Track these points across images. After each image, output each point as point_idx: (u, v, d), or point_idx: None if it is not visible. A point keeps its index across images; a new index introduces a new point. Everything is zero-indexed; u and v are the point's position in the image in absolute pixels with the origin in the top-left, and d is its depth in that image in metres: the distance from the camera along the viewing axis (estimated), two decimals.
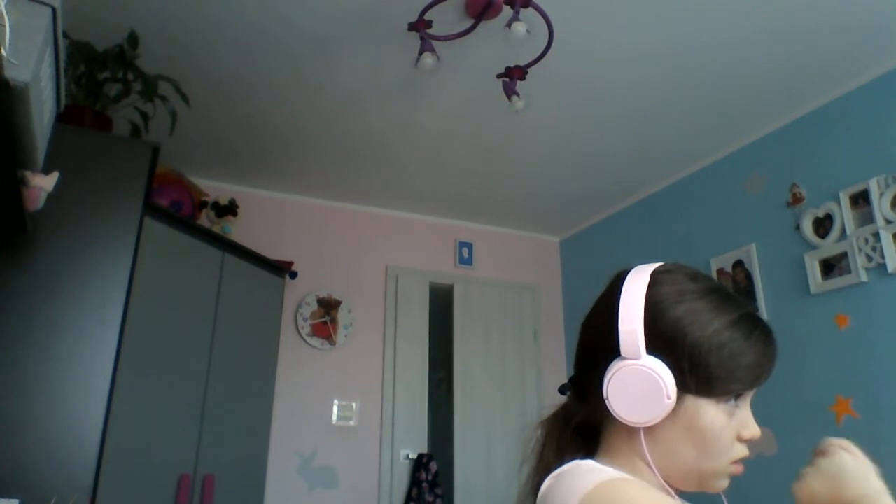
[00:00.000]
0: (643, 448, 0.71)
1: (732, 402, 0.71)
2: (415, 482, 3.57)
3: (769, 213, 3.01)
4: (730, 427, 0.70)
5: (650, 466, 0.72)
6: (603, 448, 0.77)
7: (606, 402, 0.71)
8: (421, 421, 3.80)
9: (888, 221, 2.47)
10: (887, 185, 2.50)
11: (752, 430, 0.71)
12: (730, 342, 0.69)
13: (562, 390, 0.83)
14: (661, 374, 0.68)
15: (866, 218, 2.56)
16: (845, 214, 2.63)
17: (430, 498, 3.52)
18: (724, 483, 0.72)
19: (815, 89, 2.79)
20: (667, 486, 0.73)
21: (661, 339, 0.70)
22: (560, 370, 4.29)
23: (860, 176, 2.61)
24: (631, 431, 0.73)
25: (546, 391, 4.18)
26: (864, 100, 2.69)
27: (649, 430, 0.71)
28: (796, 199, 2.88)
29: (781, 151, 3.02)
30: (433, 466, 3.61)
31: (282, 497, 3.35)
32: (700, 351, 0.69)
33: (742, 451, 0.72)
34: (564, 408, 0.82)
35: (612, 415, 0.71)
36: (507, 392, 4.04)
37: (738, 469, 0.72)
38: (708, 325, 0.70)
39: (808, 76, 2.70)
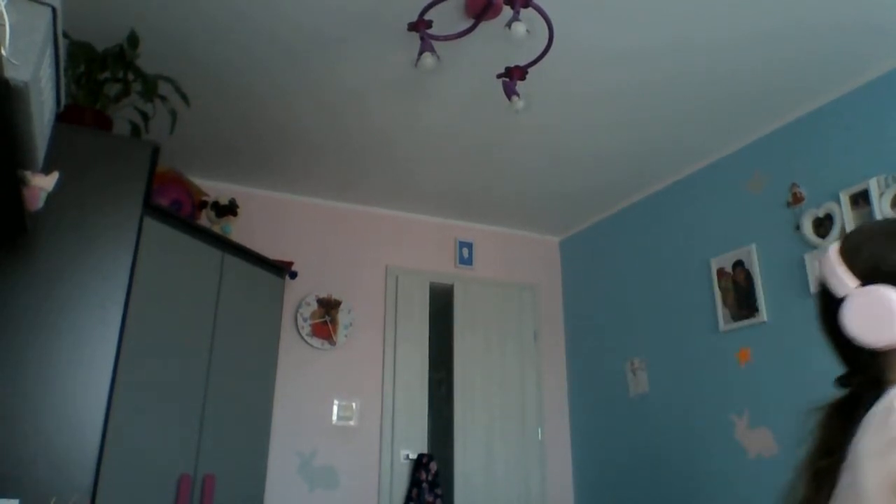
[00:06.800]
0: None
1: None
2: (415, 482, 3.57)
3: (769, 213, 3.01)
4: None
5: None
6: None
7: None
8: (421, 421, 3.80)
9: None
10: (887, 185, 2.50)
11: None
12: None
13: (841, 382, 0.94)
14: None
15: (866, 218, 2.55)
16: (845, 214, 2.63)
17: (430, 498, 3.52)
18: None
19: (814, 89, 2.79)
20: None
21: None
22: (560, 370, 4.29)
23: (860, 176, 2.61)
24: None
25: (546, 391, 4.18)
26: (864, 100, 2.69)
27: None
28: (796, 199, 2.88)
29: (781, 151, 3.02)
30: (433, 466, 3.62)
31: (282, 497, 3.35)
32: None
33: None
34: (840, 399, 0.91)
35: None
36: (507, 392, 4.04)
37: None
38: None
39: (808, 76, 2.70)
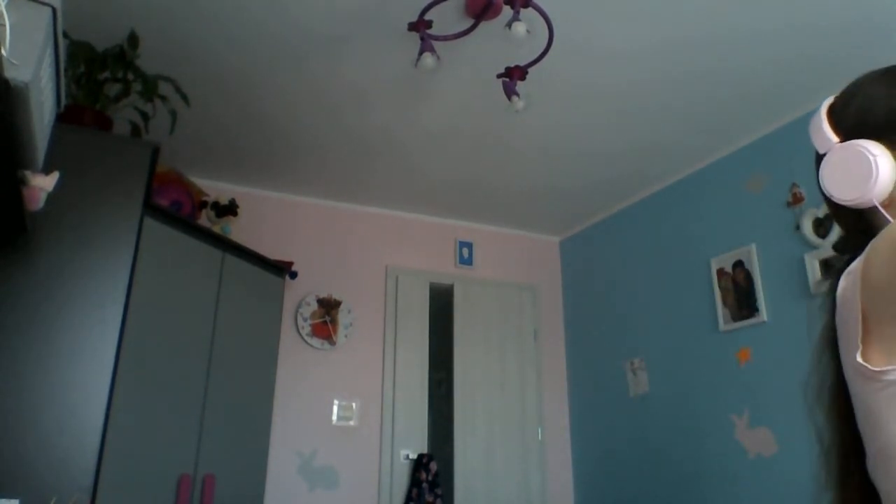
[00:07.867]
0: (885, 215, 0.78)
1: None
2: (415, 482, 3.57)
3: (769, 213, 3.01)
4: None
5: None
6: None
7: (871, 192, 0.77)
8: (421, 421, 3.80)
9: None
10: None
11: None
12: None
13: (837, 246, 0.89)
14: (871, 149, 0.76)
15: None
16: None
17: (430, 498, 3.52)
18: None
19: (815, 88, 2.79)
20: None
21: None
22: (560, 370, 4.29)
23: None
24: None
25: (546, 391, 4.18)
26: None
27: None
28: (796, 199, 2.88)
29: (781, 151, 3.02)
30: (433, 466, 3.61)
31: (282, 497, 3.35)
32: None
33: None
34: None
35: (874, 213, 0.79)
36: (507, 392, 4.04)
37: None
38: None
39: (808, 75, 2.70)
